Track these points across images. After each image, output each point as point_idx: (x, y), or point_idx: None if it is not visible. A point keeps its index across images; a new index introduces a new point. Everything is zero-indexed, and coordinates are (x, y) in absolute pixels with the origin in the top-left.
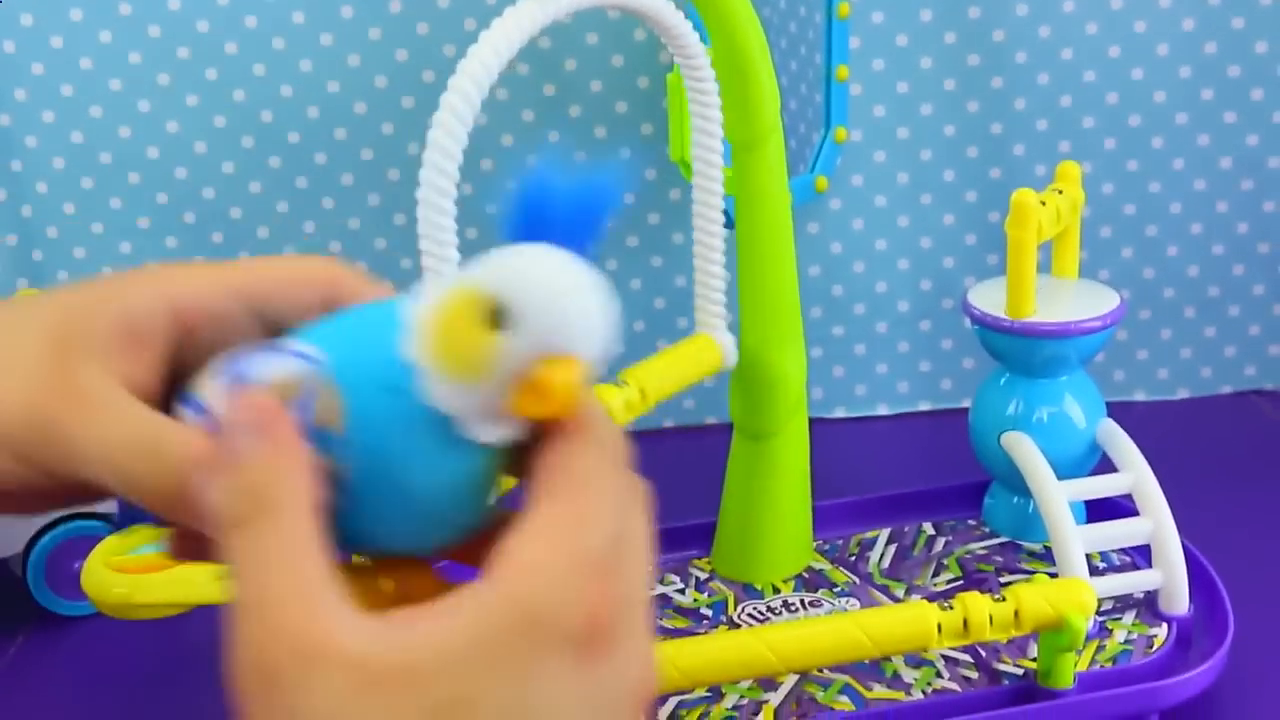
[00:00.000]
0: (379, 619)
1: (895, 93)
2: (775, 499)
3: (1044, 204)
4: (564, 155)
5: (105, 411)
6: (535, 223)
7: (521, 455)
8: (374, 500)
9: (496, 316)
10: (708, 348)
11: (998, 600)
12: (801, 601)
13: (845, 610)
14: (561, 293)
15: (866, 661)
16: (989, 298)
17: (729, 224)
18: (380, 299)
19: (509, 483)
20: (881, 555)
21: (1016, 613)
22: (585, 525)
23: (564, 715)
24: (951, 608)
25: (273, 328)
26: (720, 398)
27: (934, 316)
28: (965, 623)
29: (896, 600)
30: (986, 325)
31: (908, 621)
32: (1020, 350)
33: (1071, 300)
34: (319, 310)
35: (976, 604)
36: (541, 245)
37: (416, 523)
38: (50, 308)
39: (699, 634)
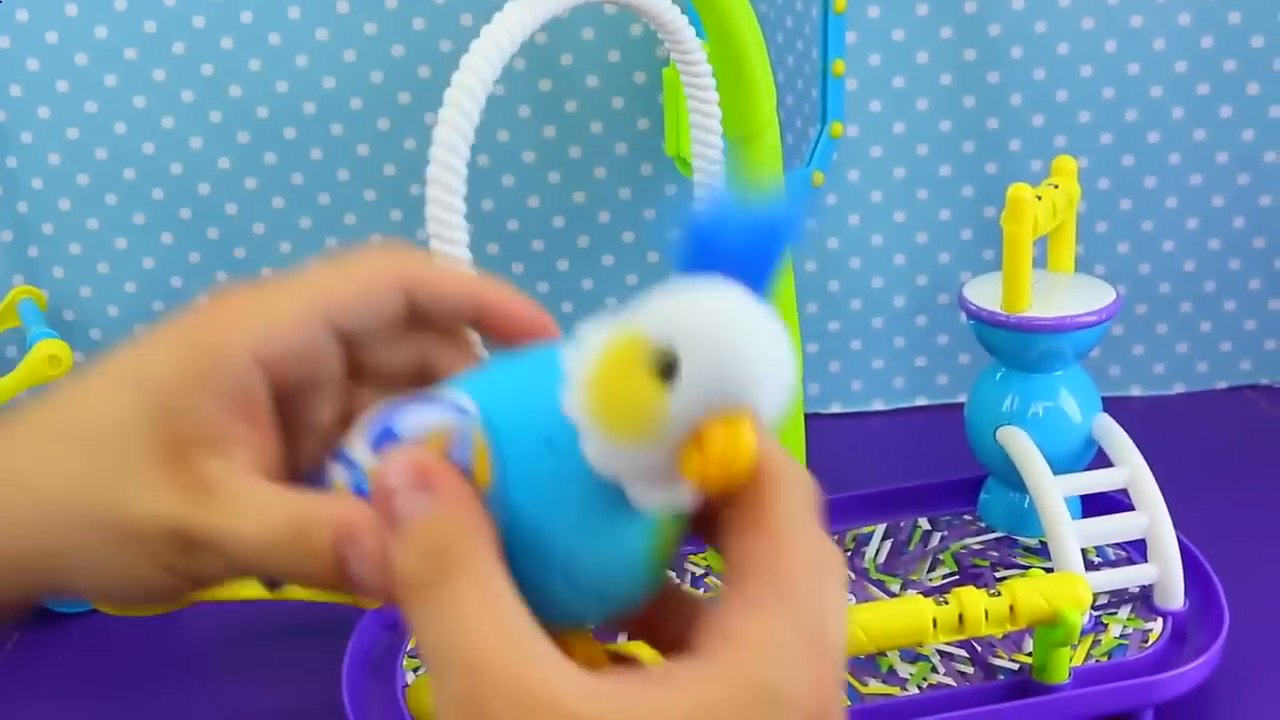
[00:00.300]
0: (595, 676)
1: (891, 87)
2: None
3: (1039, 199)
4: (735, 189)
5: (242, 508)
6: (707, 256)
7: (706, 511)
8: (527, 567)
9: (665, 367)
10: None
11: (993, 595)
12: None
13: None
14: (736, 339)
15: (862, 657)
16: (985, 292)
17: None
18: (540, 344)
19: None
20: (877, 550)
21: (1012, 608)
22: (810, 597)
23: None
24: (947, 603)
25: (354, 339)
26: None
27: (930, 312)
28: (960, 618)
29: (893, 595)
30: (982, 320)
31: (903, 616)
32: (1016, 345)
33: (1067, 295)
34: (401, 313)
35: (972, 599)
36: (714, 282)
37: (576, 594)
38: (144, 398)
39: None
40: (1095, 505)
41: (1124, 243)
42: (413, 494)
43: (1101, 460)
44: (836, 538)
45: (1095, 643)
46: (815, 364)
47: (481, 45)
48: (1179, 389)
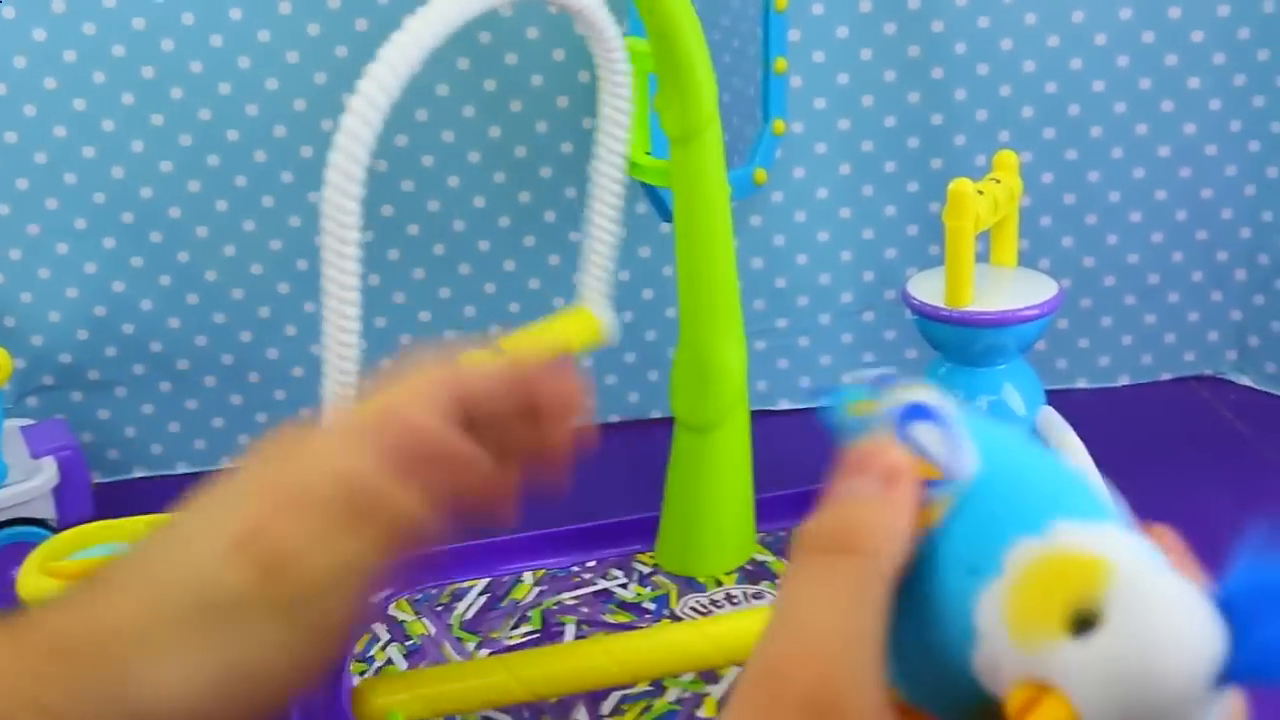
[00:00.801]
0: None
1: (836, 84)
2: (717, 492)
3: (981, 194)
4: None
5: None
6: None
7: None
8: (895, 625)
9: (1082, 623)
10: (586, 322)
11: None
12: (744, 594)
13: None
14: (1166, 674)
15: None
16: (928, 288)
17: (667, 217)
18: (1062, 456)
19: None
20: None
21: None
22: None
23: None
24: None
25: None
26: (665, 391)
27: (877, 308)
28: None
29: None
30: (925, 315)
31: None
32: (959, 340)
33: (1010, 289)
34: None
35: None
36: (1199, 601)
37: (917, 688)
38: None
39: (641, 628)
40: None
41: (1068, 237)
42: (874, 480)
43: None
44: (784, 534)
45: None
46: (763, 361)
47: (387, 54)
48: (1124, 381)
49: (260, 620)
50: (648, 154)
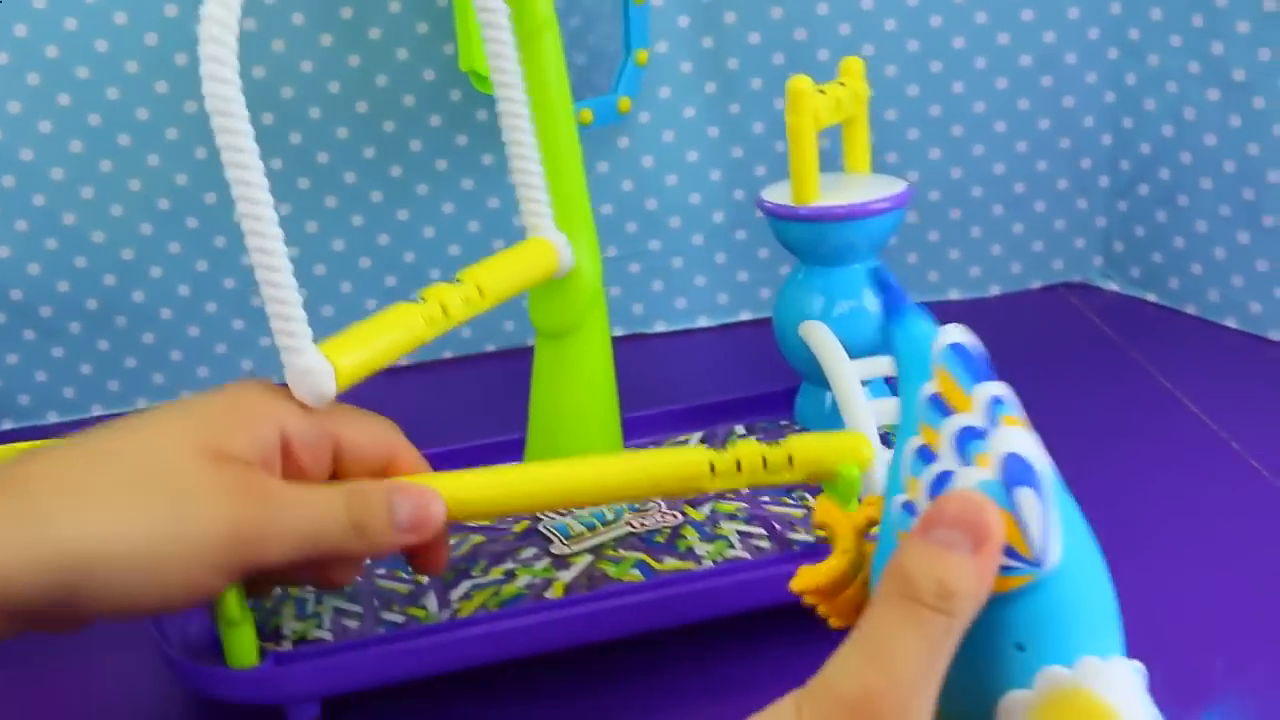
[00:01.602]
0: None
1: (698, 2)
2: (580, 400)
3: (823, 93)
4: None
5: (293, 500)
6: None
7: None
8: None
9: None
10: (543, 249)
11: (773, 445)
12: (610, 509)
13: (660, 517)
14: None
15: (661, 540)
16: (780, 193)
17: None
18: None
19: None
20: None
21: (790, 458)
22: None
23: None
24: (726, 451)
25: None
26: None
27: (749, 226)
28: (739, 464)
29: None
30: (777, 216)
31: (682, 464)
32: (810, 238)
33: (860, 189)
34: (378, 467)
35: (750, 448)
36: None
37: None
38: (199, 430)
39: (501, 528)
40: None
41: (935, 148)
42: (966, 539)
43: None
44: (653, 447)
45: None
46: (638, 284)
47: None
48: (995, 291)
49: (210, 509)
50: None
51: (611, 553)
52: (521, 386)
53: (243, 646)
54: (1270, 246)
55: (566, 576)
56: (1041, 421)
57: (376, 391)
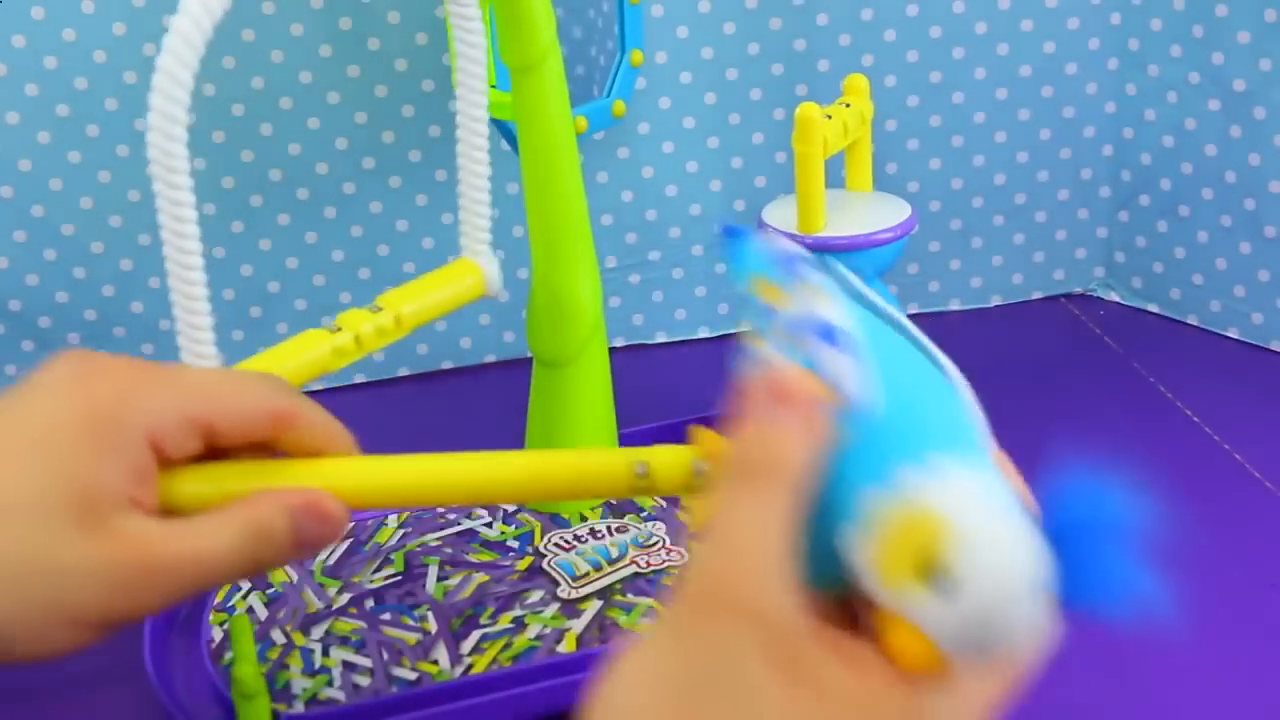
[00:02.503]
0: (817, 619)
1: (697, 12)
2: (577, 426)
3: (829, 118)
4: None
5: (179, 556)
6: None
7: None
8: (807, 524)
9: (933, 575)
10: (469, 273)
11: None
12: (609, 528)
13: (666, 554)
14: (998, 632)
15: (669, 583)
16: (782, 215)
17: (514, 149)
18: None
19: None
20: None
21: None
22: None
23: None
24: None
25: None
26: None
27: None
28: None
29: None
30: None
31: (602, 466)
32: None
33: (864, 213)
34: (266, 436)
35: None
36: (1037, 551)
37: (815, 574)
38: (61, 470)
39: (505, 565)
40: None
41: (935, 159)
42: (782, 405)
43: None
44: None
45: None
46: (638, 294)
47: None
48: (996, 301)
49: (88, 594)
50: (493, 87)
51: (620, 598)
52: (521, 399)
53: (258, 719)
54: (1271, 257)
55: (578, 626)
56: (1042, 431)
57: (372, 404)
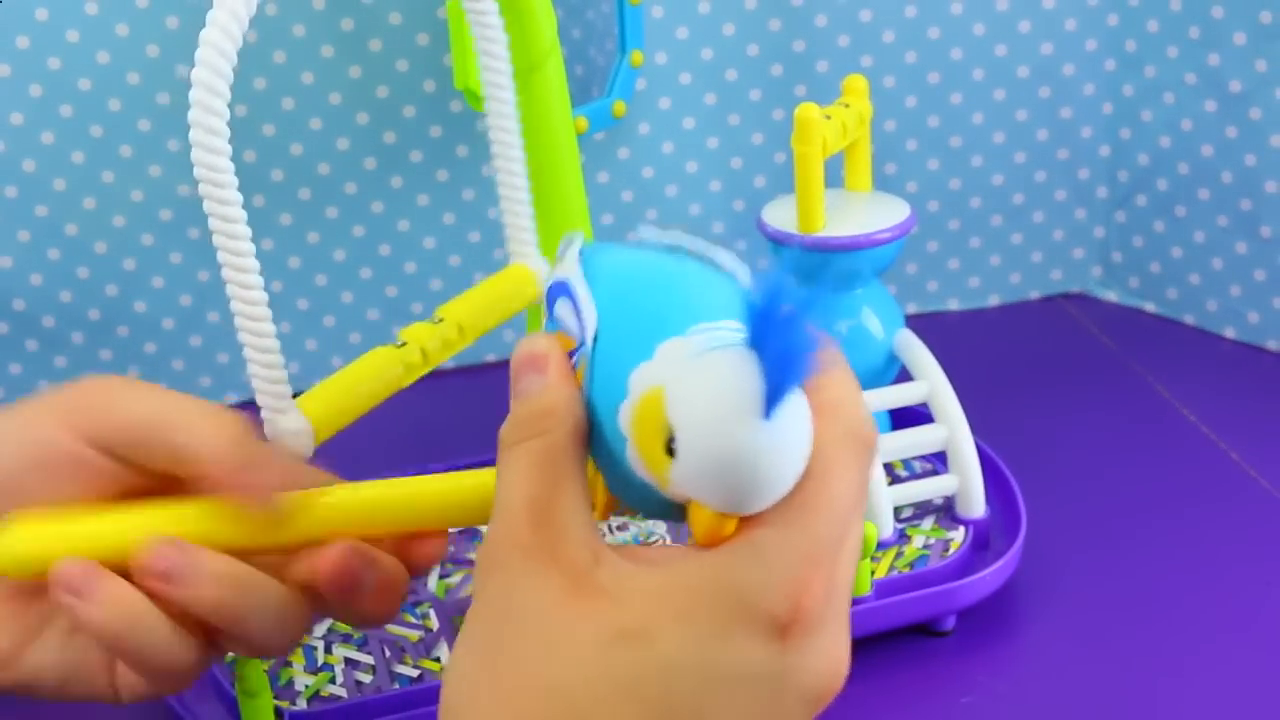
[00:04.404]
0: (602, 545)
1: (697, 14)
2: None
3: (828, 119)
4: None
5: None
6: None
7: None
8: (595, 453)
9: (670, 449)
10: (523, 278)
11: None
12: (609, 526)
13: (652, 533)
14: (730, 462)
15: None
16: (782, 214)
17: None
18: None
19: None
20: None
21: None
22: (819, 514)
23: (743, 684)
24: None
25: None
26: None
27: (749, 236)
28: None
29: None
30: (780, 242)
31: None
32: (814, 265)
33: (863, 213)
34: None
35: None
36: (741, 372)
37: (619, 491)
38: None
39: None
40: (907, 419)
41: (933, 159)
42: (528, 374)
43: (906, 375)
44: None
45: (898, 554)
46: None
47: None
48: (995, 301)
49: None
50: None
51: None
52: None
53: (262, 717)
54: (1268, 256)
55: None
56: (1040, 431)
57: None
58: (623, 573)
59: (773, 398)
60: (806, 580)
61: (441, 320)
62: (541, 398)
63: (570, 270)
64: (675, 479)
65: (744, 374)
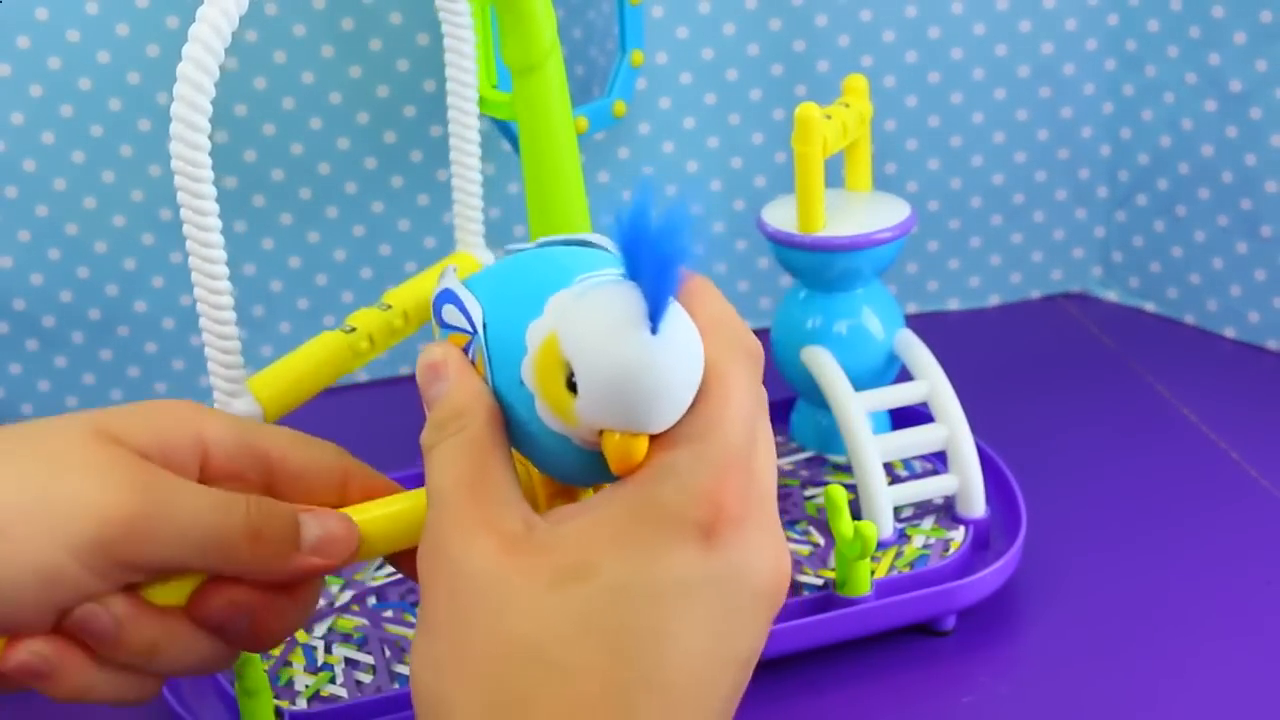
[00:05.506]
0: (534, 515)
1: (697, 13)
2: None
3: (829, 118)
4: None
5: (180, 489)
6: (636, 244)
7: None
8: (513, 436)
9: (570, 384)
10: (469, 266)
11: None
12: None
13: None
14: (625, 377)
15: None
16: (782, 214)
17: (515, 149)
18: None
19: None
20: None
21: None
22: (722, 425)
23: (690, 591)
24: None
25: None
26: None
27: (750, 236)
28: None
29: None
30: (780, 242)
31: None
32: (814, 265)
33: (863, 213)
34: (334, 492)
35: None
36: (623, 296)
37: (544, 465)
38: (91, 425)
39: None
40: (907, 420)
41: (934, 159)
42: (433, 383)
43: (906, 375)
44: None
45: (898, 554)
46: None
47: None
48: (995, 301)
49: (83, 482)
50: (494, 87)
51: None
52: None
53: (261, 716)
54: (1268, 256)
55: None
56: (1040, 431)
57: (373, 403)
58: (555, 526)
59: (655, 310)
60: (722, 482)
61: (390, 307)
62: (450, 399)
63: (450, 280)
64: (582, 413)
65: (626, 296)
